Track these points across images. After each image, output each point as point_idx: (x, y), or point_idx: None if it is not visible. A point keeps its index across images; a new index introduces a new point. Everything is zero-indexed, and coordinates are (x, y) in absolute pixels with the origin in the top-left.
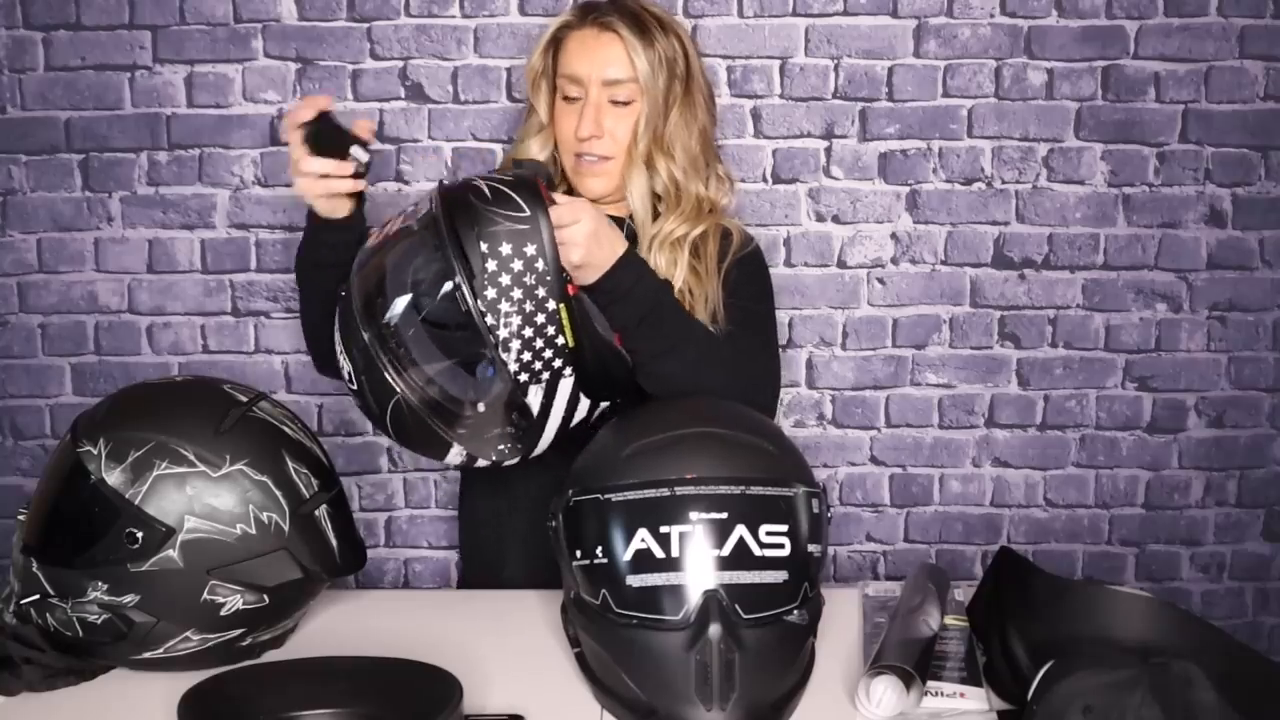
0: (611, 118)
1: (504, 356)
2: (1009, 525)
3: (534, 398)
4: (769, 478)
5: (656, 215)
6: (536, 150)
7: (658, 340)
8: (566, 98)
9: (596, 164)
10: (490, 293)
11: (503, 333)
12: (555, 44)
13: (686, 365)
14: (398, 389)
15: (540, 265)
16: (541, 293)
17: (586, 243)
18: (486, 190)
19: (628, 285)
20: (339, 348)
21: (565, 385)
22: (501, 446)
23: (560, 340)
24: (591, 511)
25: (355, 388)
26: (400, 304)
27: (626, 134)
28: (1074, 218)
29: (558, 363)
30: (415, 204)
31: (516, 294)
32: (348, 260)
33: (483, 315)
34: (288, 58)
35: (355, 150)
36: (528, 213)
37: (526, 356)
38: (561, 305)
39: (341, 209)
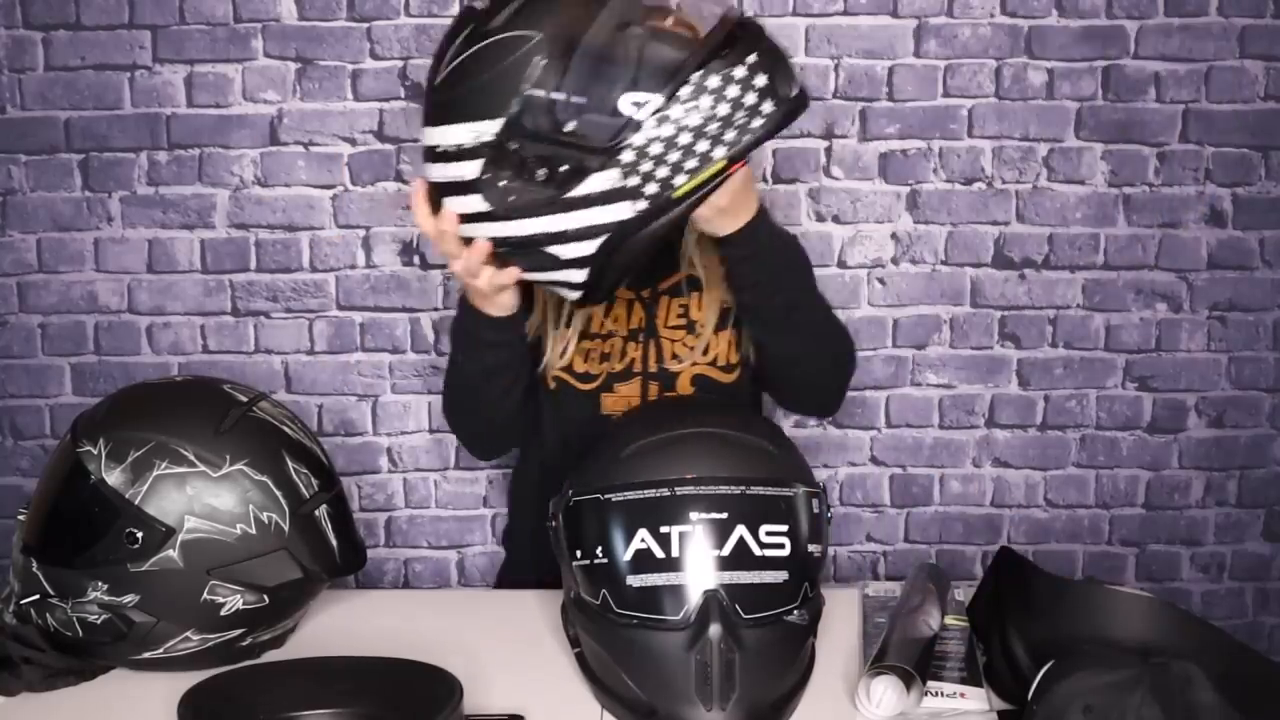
0: None
1: (649, 122)
2: (1009, 525)
3: (594, 181)
4: (769, 478)
5: None
6: None
7: (787, 298)
8: None
9: None
10: (714, 80)
11: (674, 110)
12: None
13: (809, 323)
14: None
15: (755, 125)
16: (729, 136)
17: (742, 186)
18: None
19: (762, 240)
20: None
21: (616, 210)
22: (516, 184)
23: (678, 180)
24: (591, 511)
25: None
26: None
27: None
28: (1074, 218)
29: (649, 189)
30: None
31: (720, 110)
32: (520, 362)
33: (683, 84)
34: (288, 58)
35: None
36: (793, 92)
37: (653, 149)
38: (721, 163)
39: (511, 299)
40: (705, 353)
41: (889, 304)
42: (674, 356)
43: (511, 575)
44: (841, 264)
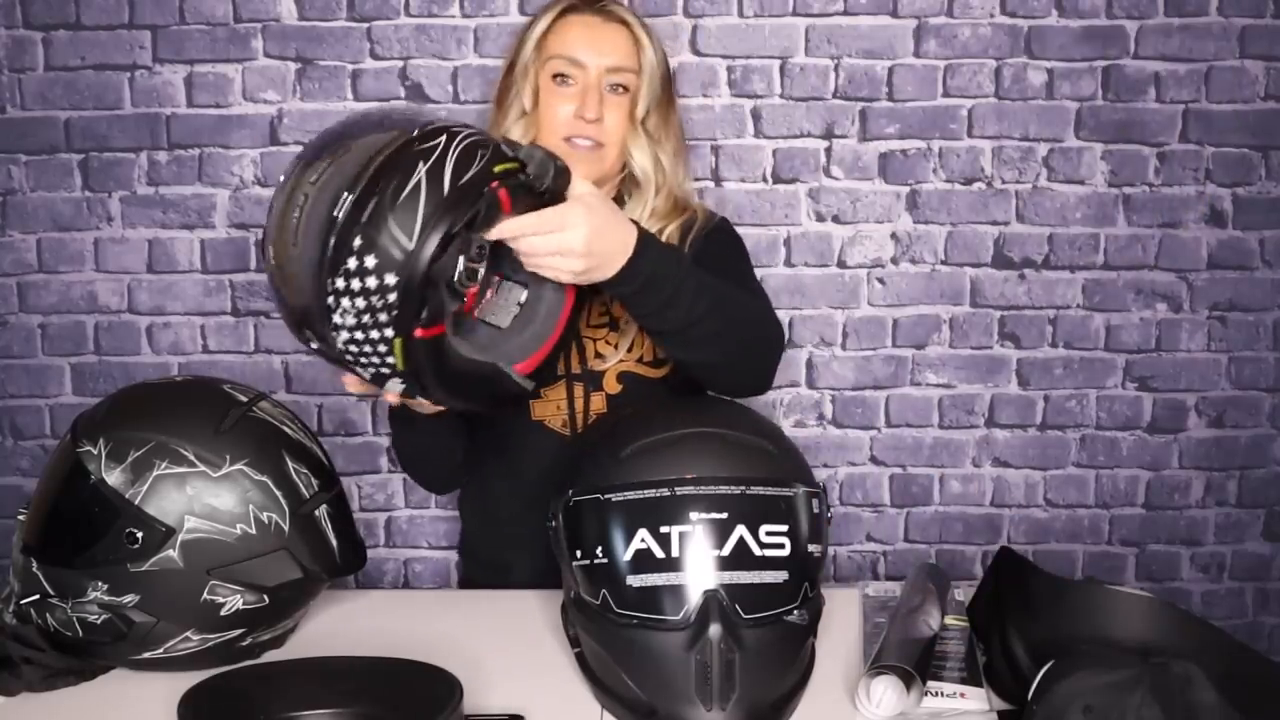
0: (608, 105)
1: (332, 337)
2: (1009, 525)
3: (364, 373)
4: (769, 478)
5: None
6: (518, 137)
7: (683, 316)
8: (559, 76)
9: (590, 150)
10: (339, 282)
11: (336, 317)
12: (548, 29)
13: (713, 334)
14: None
15: (392, 299)
16: (383, 318)
17: (585, 248)
18: (417, 185)
19: (645, 275)
20: None
21: (393, 384)
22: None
23: (391, 360)
24: (591, 511)
25: None
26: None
27: (619, 124)
28: (1074, 218)
29: (384, 369)
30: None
31: (359, 303)
32: (455, 431)
33: (327, 294)
34: (288, 58)
35: None
36: (410, 247)
37: (350, 350)
38: (397, 340)
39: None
40: (630, 350)
41: (889, 304)
42: (598, 355)
43: (468, 578)
44: (841, 264)
